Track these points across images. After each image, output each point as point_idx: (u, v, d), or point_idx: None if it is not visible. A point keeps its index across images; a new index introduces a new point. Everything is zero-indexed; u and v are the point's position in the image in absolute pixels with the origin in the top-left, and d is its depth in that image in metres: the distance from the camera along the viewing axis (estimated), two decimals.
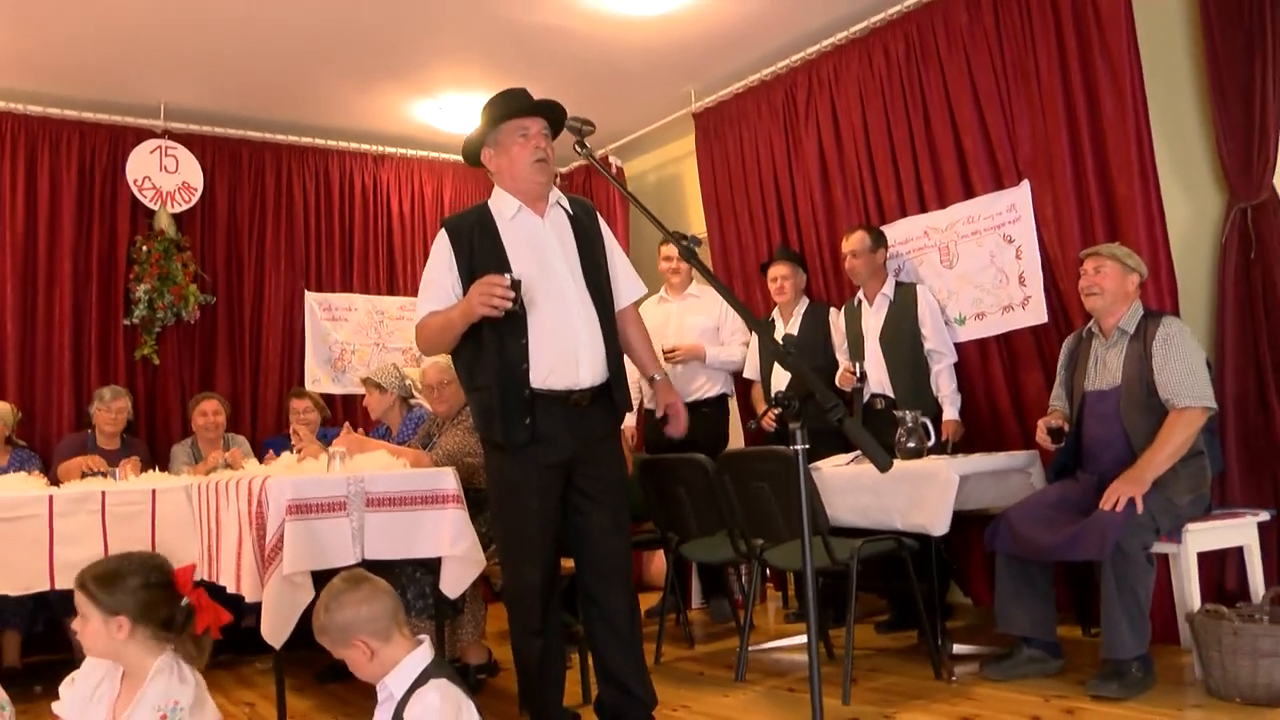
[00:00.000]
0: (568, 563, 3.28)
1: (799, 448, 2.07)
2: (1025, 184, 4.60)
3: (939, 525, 3.71)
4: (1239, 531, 3.65)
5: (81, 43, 5.35)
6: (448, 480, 3.69)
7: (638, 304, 3.38)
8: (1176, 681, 3.45)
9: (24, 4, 4.89)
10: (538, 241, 3.09)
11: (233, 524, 3.91)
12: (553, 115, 3.15)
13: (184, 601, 2.32)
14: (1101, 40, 4.25)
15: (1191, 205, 4.28)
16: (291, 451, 4.93)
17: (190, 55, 5.58)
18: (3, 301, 5.77)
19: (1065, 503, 3.66)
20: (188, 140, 6.33)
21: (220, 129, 6.46)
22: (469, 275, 3.02)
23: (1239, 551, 3.70)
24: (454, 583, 3.62)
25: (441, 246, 3.11)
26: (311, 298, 6.69)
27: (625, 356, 3.25)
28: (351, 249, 6.90)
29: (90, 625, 2.27)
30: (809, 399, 2.08)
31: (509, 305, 2.85)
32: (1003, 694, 3.51)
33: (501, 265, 2.96)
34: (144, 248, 6.07)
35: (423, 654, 2.26)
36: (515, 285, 2.86)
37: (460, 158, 6.96)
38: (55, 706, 2.42)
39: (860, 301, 4.96)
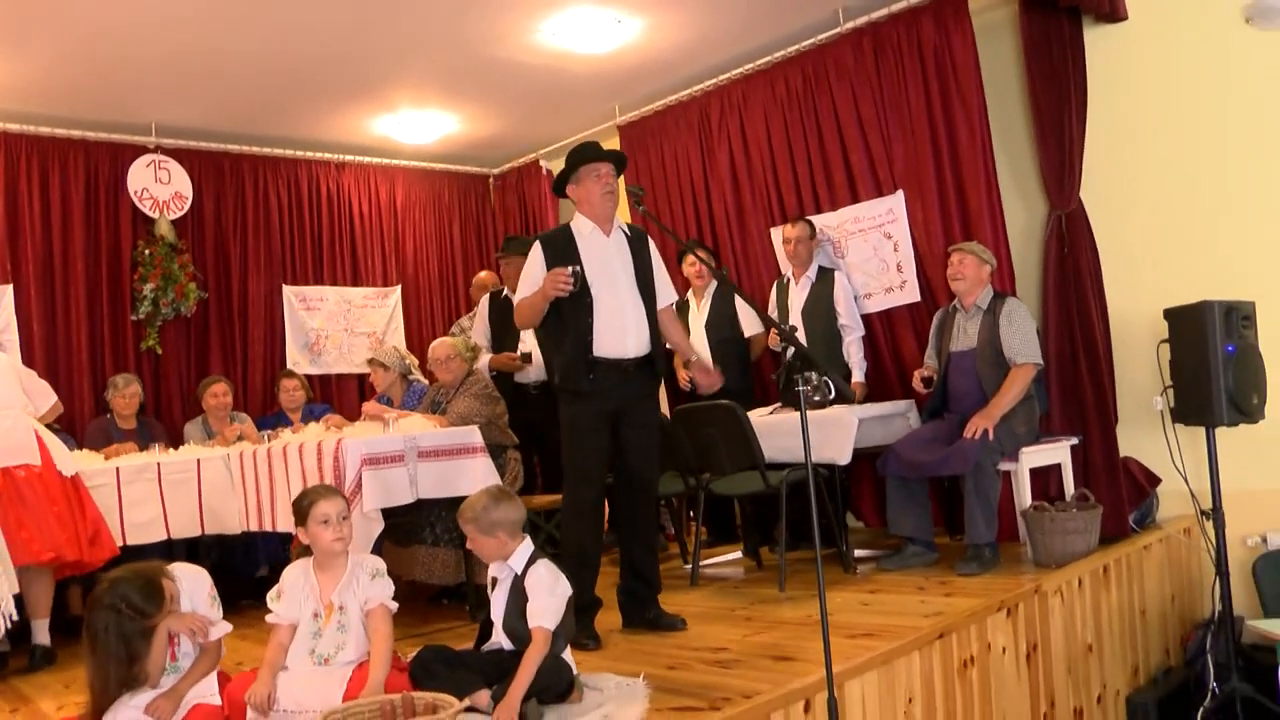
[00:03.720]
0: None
1: (802, 388, 3.13)
2: (900, 193, 5.88)
3: (844, 456, 4.98)
4: (1057, 452, 5.04)
5: (84, 71, 6.11)
6: (475, 436, 4.81)
7: (672, 306, 4.47)
8: (1015, 560, 4.79)
9: (34, 39, 5.61)
10: (604, 253, 4.18)
11: (296, 478, 4.89)
12: (618, 161, 4.27)
13: None
14: (957, 85, 5.57)
15: (1026, 212, 5.64)
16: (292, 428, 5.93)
17: (177, 80, 6.38)
18: (27, 302, 6.56)
19: (937, 436, 4.96)
20: (177, 154, 7.19)
21: (205, 144, 7.33)
22: (551, 266, 4.09)
23: (1058, 467, 5.07)
24: None
25: (536, 254, 4.18)
26: (289, 290, 7.63)
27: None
28: (320, 246, 7.85)
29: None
30: (806, 363, 3.24)
31: (570, 288, 3.98)
32: (896, 578, 4.79)
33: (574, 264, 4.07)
34: (147, 251, 6.93)
35: (529, 545, 3.39)
36: (575, 274, 4.00)
37: (412, 163, 8.03)
38: (269, 618, 3.40)
39: (789, 280, 6.11)
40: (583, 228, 4.23)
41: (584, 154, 4.22)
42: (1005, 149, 5.65)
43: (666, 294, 4.42)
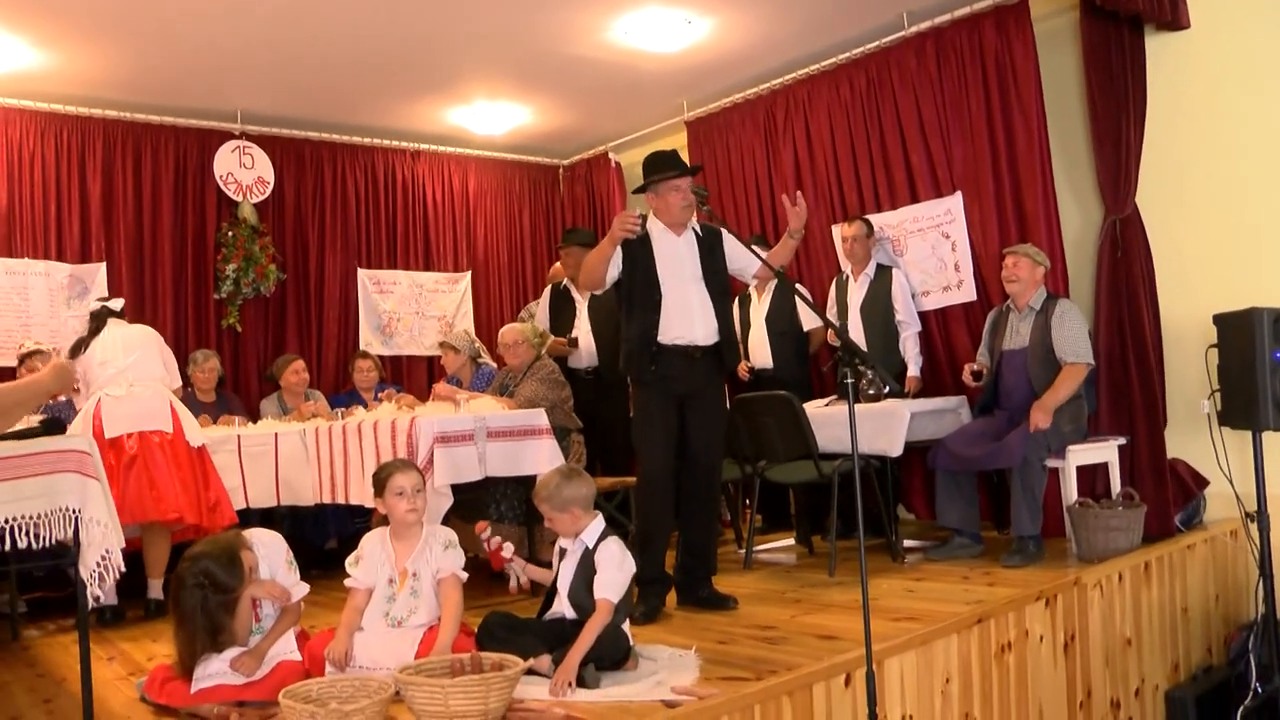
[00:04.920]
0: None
1: (849, 381, 3.33)
2: (959, 194, 6.01)
3: (896, 448, 5.15)
4: (1105, 452, 5.15)
5: (176, 62, 6.42)
6: (542, 419, 5.04)
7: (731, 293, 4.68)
8: (1060, 555, 4.92)
9: (132, 32, 5.92)
10: (674, 251, 4.42)
11: (370, 454, 5.15)
12: (694, 171, 4.50)
13: None
14: (1017, 91, 5.71)
15: (1081, 216, 5.75)
16: (365, 407, 6.22)
17: (262, 70, 6.68)
18: (119, 280, 6.92)
19: (986, 431, 5.11)
20: (261, 141, 7.51)
21: (287, 130, 7.65)
22: (626, 264, 4.38)
23: (1105, 466, 5.18)
24: None
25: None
26: (363, 274, 7.93)
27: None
28: (395, 231, 8.15)
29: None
30: (856, 357, 3.41)
31: (638, 230, 4.25)
32: (942, 568, 4.95)
33: (649, 263, 4.34)
34: (230, 233, 7.27)
35: (601, 521, 3.61)
36: (643, 218, 4.27)
37: (484, 153, 8.26)
38: (347, 581, 3.65)
39: (848, 277, 6.26)
40: (655, 227, 4.47)
41: (663, 168, 4.43)
42: (1062, 153, 5.76)
43: (752, 263, 4.60)
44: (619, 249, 4.38)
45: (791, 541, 6.22)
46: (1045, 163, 5.62)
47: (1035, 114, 5.64)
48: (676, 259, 4.42)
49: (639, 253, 4.40)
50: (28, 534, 3.22)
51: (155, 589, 5.12)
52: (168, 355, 5.48)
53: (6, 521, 3.18)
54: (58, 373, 3.31)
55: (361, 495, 5.23)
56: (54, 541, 3.32)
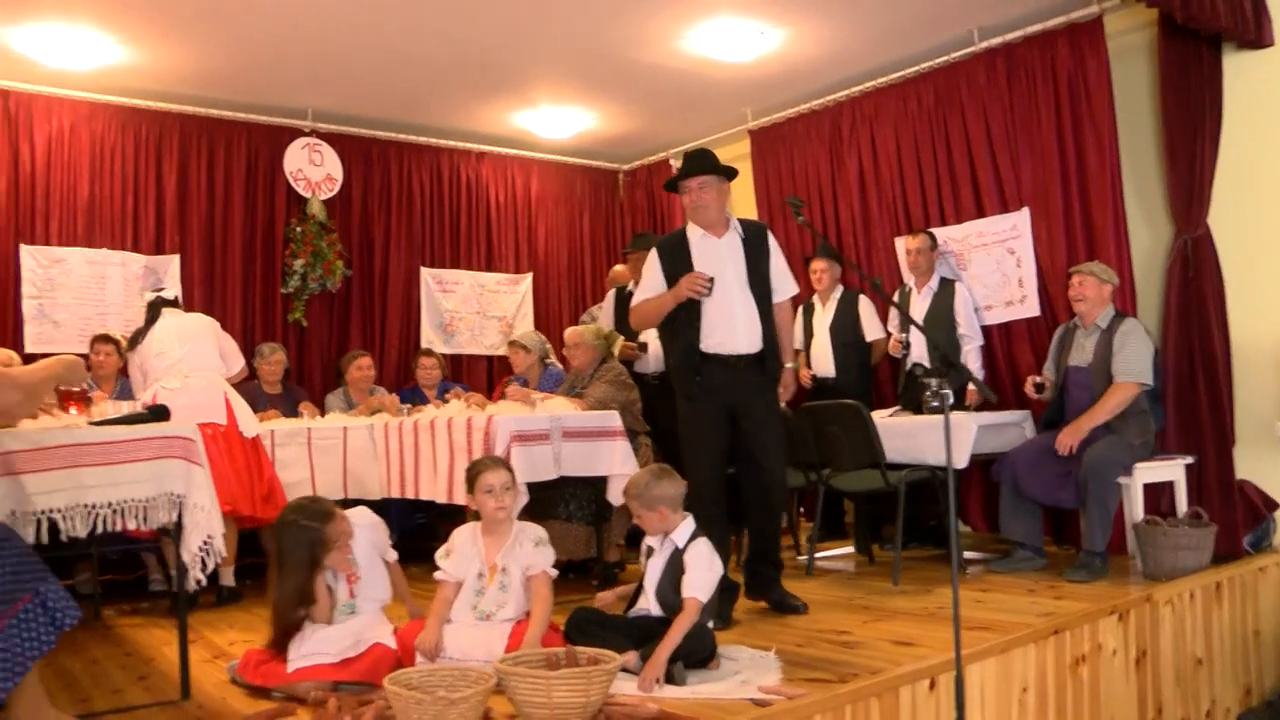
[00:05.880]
0: None
1: (944, 392, 3.37)
2: (1025, 210, 6.05)
3: (961, 460, 5.19)
4: (1172, 470, 5.18)
5: (250, 59, 6.55)
6: (615, 420, 5.12)
7: (794, 300, 4.73)
8: (1123, 572, 4.95)
9: (210, 32, 6.05)
10: (714, 255, 4.43)
11: (444, 451, 5.23)
12: (723, 171, 4.46)
13: None
14: (1089, 108, 5.73)
15: (1150, 235, 5.76)
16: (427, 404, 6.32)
17: (334, 70, 6.79)
18: (191, 271, 7.07)
19: (1050, 447, 5.12)
20: (330, 139, 7.63)
21: (355, 129, 7.77)
22: (670, 276, 4.42)
23: (1171, 485, 5.21)
24: (618, 494, 5.04)
25: (654, 260, 4.50)
26: (426, 272, 8.04)
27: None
28: (458, 231, 8.25)
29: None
30: (949, 363, 3.48)
31: (706, 293, 4.29)
32: (1006, 580, 4.98)
33: (688, 269, 4.36)
34: (298, 229, 7.39)
35: (691, 522, 3.68)
36: (710, 281, 4.30)
37: (547, 156, 8.37)
38: (437, 575, 3.75)
39: (911, 289, 6.31)
40: (693, 233, 4.50)
41: (680, 171, 4.50)
42: (1133, 170, 5.77)
43: (785, 288, 4.61)
44: (659, 263, 4.45)
45: (850, 549, 6.27)
46: (1115, 180, 5.65)
47: (1107, 131, 5.66)
48: (717, 262, 4.40)
49: (678, 258, 4.41)
50: (136, 517, 3.35)
51: (226, 576, 5.25)
52: (225, 342, 5.58)
53: (115, 504, 3.31)
54: (67, 365, 3.31)
55: (432, 490, 5.32)
56: (158, 525, 3.44)
